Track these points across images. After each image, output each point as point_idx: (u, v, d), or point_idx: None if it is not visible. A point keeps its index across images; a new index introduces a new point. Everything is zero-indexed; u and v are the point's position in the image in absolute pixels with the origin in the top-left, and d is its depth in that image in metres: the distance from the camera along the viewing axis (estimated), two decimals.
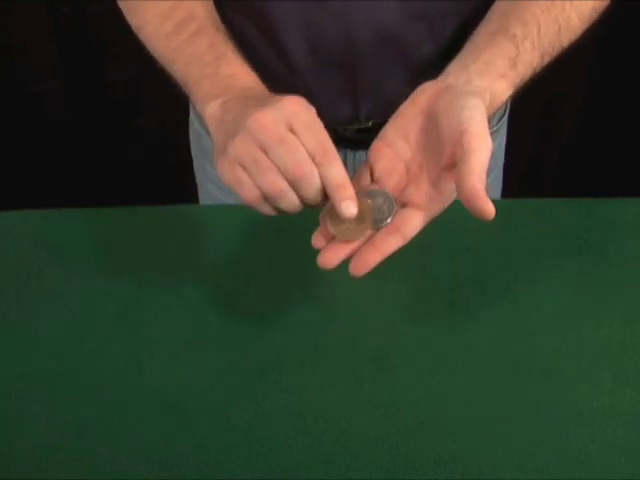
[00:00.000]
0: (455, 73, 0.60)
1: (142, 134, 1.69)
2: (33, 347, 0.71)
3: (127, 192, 1.29)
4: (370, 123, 0.84)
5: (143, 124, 1.67)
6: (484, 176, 0.52)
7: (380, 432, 0.64)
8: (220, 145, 0.59)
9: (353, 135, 0.85)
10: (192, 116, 0.97)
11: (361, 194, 0.57)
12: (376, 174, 0.59)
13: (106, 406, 0.66)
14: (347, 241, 0.56)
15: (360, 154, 0.88)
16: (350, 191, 0.55)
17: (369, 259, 0.55)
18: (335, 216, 0.55)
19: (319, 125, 0.57)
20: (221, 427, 0.65)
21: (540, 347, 0.70)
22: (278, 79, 0.80)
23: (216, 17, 0.72)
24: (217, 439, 0.64)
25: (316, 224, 0.59)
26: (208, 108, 0.63)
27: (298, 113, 0.57)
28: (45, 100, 1.64)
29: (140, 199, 0.85)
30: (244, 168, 0.56)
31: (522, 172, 1.57)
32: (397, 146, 0.59)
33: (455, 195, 0.55)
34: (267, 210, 0.58)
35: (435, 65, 0.79)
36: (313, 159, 0.55)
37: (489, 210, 0.51)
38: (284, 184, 0.55)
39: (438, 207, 0.57)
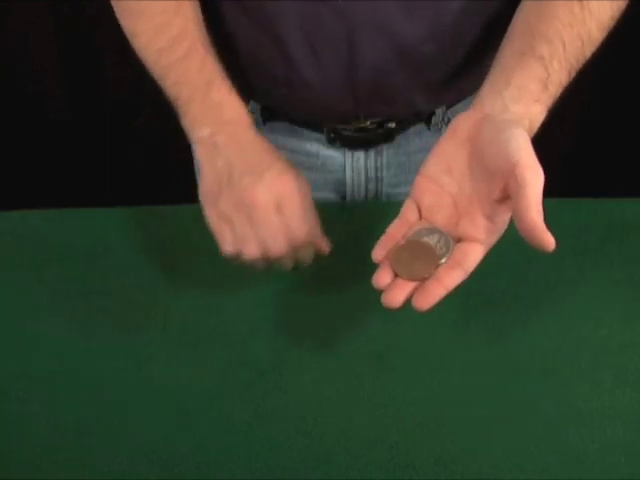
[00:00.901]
0: (489, 100, 0.59)
1: (142, 134, 1.69)
2: (33, 347, 0.71)
3: (127, 192, 1.29)
4: (368, 122, 0.84)
5: (143, 124, 1.68)
6: (540, 207, 0.53)
7: (380, 432, 0.64)
8: (209, 188, 0.67)
9: (352, 134, 0.85)
10: None
11: (417, 235, 0.58)
12: (423, 210, 0.60)
13: (106, 406, 0.66)
14: (410, 280, 0.57)
15: (358, 154, 0.88)
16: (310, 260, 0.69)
17: (434, 293, 0.56)
18: (398, 258, 0.57)
19: (306, 209, 0.66)
20: (221, 427, 0.65)
21: (540, 347, 0.70)
22: (278, 76, 0.80)
23: (206, 35, 0.74)
24: (217, 439, 0.64)
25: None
26: (197, 134, 0.70)
27: (289, 196, 0.65)
28: (45, 100, 1.64)
29: (140, 199, 0.85)
30: (230, 226, 0.66)
31: None
32: (441, 181, 0.59)
33: (507, 224, 0.56)
34: (236, 262, 0.68)
35: (435, 63, 0.79)
36: (292, 241, 0.66)
37: (549, 242, 0.52)
38: (260, 254, 0.66)
39: (494, 238, 0.58)
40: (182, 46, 0.72)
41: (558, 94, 0.63)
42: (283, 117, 0.86)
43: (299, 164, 0.89)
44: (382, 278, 0.57)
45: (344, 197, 0.91)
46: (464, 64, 0.82)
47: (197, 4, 0.75)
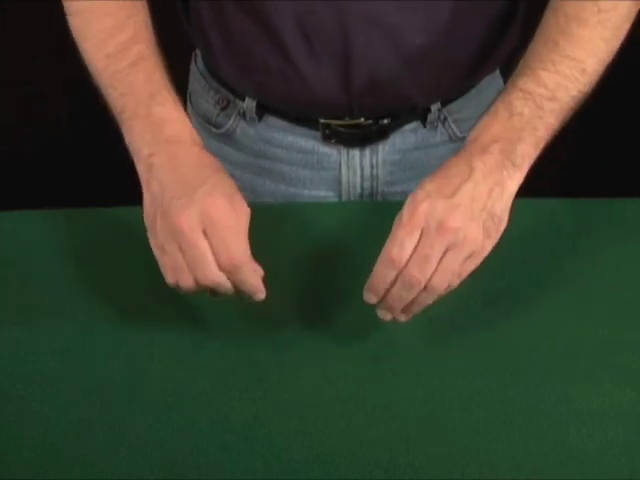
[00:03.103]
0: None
1: None
2: (33, 347, 0.71)
3: (127, 192, 1.29)
4: (362, 119, 0.84)
5: None
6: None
7: (380, 432, 0.64)
8: (148, 214, 0.67)
9: (346, 130, 0.85)
10: (189, 112, 0.97)
11: None
12: None
13: (106, 406, 0.66)
14: None
15: (354, 152, 0.88)
16: (261, 289, 0.64)
17: None
18: None
19: (233, 232, 0.63)
20: (221, 427, 0.65)
21: (540, 347, 0.70)
22: (272, 70, 0.80)
23: (156, 43, 0.74)
24: (217, 439, 0.64)
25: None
26: (141, 152, 0.69)
27: (217, 218, 0.62)
28: (45, 101, 1.64)
29: (140, 199, 0.85)
30: (166, 256, 0.64)
31: None
32: None
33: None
34: (179, 290, 0.65)
35: (429, 57, 0.79)
36: (224, 267, 0.62)
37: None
38: (194, 285, 0.63)
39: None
40: (131, 52, 0.72)
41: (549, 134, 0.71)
42: (278, 113, 0.86)
43: (295, 161, 0.89)
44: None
45: (340, 195, 0.91)
46: (458, 60, 0.82)
47: (147, 9, 0.76)
